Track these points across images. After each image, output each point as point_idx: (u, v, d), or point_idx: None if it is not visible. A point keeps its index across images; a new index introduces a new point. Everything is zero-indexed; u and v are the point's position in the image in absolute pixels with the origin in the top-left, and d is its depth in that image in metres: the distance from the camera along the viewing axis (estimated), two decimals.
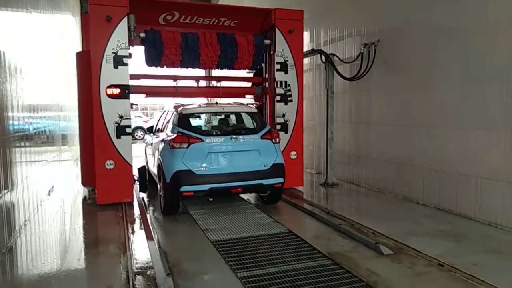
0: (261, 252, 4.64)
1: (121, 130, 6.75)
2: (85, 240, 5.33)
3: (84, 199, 7.60)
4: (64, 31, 10.66)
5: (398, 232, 5.22)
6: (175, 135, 6.18)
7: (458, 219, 5.87)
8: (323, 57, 8.39)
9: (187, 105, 7.06)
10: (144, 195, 7.79)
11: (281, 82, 7.79)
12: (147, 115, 27.62)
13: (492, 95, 5.48)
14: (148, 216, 6.25)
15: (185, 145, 5.97)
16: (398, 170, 7.27)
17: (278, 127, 7.76)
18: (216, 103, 7.52)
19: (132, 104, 7.05)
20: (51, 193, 7.66)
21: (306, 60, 10.00)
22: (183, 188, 5.88)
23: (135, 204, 7.00)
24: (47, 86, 8.12)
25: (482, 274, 3.87)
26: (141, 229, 5.57)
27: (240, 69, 7.99)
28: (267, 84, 8.19)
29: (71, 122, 11.06)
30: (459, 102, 5.99)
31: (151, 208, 6.93)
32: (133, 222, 5.97)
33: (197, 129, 6.69)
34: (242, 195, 7.32)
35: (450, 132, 6.16)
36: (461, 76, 5.94)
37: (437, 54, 6.35)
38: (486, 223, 5.55)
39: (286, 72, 7.79)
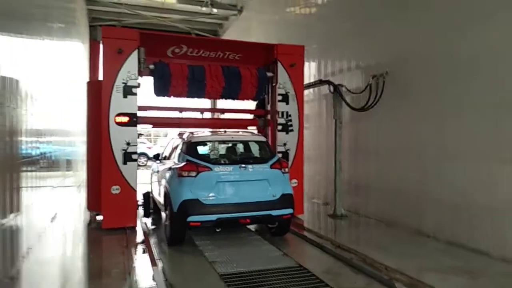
0: None
1: (127, 157, 6.98)
2: (89, 271, 5.18)
3: (89, 224, 7.58)
4: (74, 58, 10.78)
5: (411, 267, 5.05)
6: (184, 163, 6.10)
7: (471, 254, 5.69)
8: (331, 88, 8.42)
9: (195, 132, 7.05)
10: (147, 220, 7.79)
11: (282, 113, 8.08)
12: (150, 141, 27.63)
13: (504, 125, 5.43)
14: (153, 245, 6.10)
15: (194, 174, 5.88)
16: (409, 202, 7.13)
17: (280, 155, 7.80)
18: (225, 131, 7.52)
19: (139, 134, 7.18)
20: (54, 220, 7.53)
21: (313, 90, 10.07)
22: (190, 218, 5.75)
23: (139, 230, 6.99)
24: (55, 112, 8.13)
25: None
26: (147, 259, 5.40)
27: (243, 100, 8.30)
28: (269, 116, 8.43)
29: (76, 148, 11.02)
30: (471, 133, 5.93)
31: (155, 236, 6.81)
32: (137, 251, 5.82)
33: (206, 158, 6.62)
34: (249, 226, 7.17)
35: (462, 163, 6.07)
36: (472, 106, 5.91)
37: (447, 85, 6.34)
38: (499, 259, 5.37)
39: (287, 103, 8.11)
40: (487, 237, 5.64)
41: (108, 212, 6.90)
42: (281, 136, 8.06)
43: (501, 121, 5.50)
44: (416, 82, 7.02)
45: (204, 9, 15.75)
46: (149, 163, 15.05)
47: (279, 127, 8.06)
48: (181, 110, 8.02)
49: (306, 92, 10.13)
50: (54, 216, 7.65)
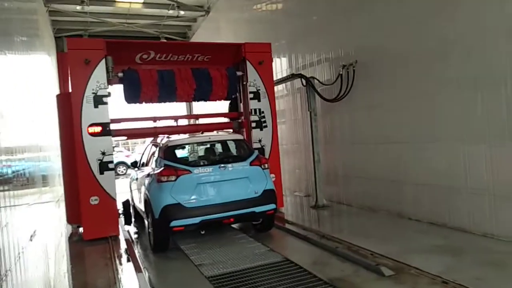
0: (260, 285, 4.47)
1: (104, 166, 6.93)
2: (74, 287, 5.04)
3: (70, 237, 7.47)
4: (41, 71, 10.49)
5: (396, 251, 5.14)
6: (162, 168, 6.03)
7: (452, 232, 5.83)
8: (304, 81, 8.48)
9: (172, 136, 6.97)
10: (129, 228, 7.75)
11: (255, 110, 8.20)
12: (128, 150, 27.21)
13: (474, 108, 5.57)
14: (137, 253, 6.00)
15: (173, 178, 5.81)
16: (388, 187, 7.25)
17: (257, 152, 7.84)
18: (202, 132, 7.48)
19: (113, 147, 7.25)
20: (34, 238, 7.32)
21: (286, 85, 10.12)
22: (173, 223, 5.69)
23: (122, 239, 6.93)
24: (25, 127, 7.90)
25: None
26: (131, 268, 5.31)
27: (215, 101, 8.34)
28: (243, 118, 8.51)
29: (51, 163, 10.74)
30: (444, 117, 6.06)
31: (139, 245, 6.73)
32: (122, 262, 5.71)
33: (184, 161, 6.58)
34: (233, 225, 7.14)
35: (438, 146, 6.20)
36: (444, 91, 6.03)
37: (417, 71, 6.46)
38: (480, 235, 5.53)
39: (259, 100, 8.23)
40: (466, 215, 5.78)
41: (88, 224, 6.85)
42: (255, 133, 8.18)
43: (471, 104, 5.62)
44: (386, 69, 7.12)
45: (171, 12, 15.59)
46: (129, 171, 14.87)
47: (253, 124, 8.17)
48: (155, 119, 8.01)
49: (279, 87, 10.19)
50: (33, 234, 7.43)
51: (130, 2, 15.06)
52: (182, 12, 15.55)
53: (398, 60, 6.81)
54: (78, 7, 14.27)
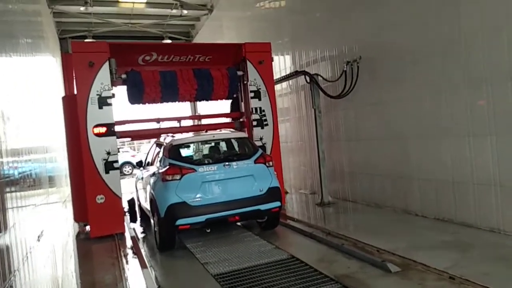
0: (266, 282, 4.47)
1: (109, 166, 7.09)
2: (82, 285, 5.08)
3: (78, 235, 7.63)
4: (46, 72, 10.56)
5: (402, 247, 5.12)
6: (167, 167, 6.04)
7: (459, 228, 5.79)
8: (307, 78, 8.46)
9: (176, 135, 7.01)
10: (135, 226, 7.90)
11: (256, 109, 8.31)
12: (134, 149, 27.32)
13: (478, 102, 5.52)
14: (143, 252, 6.04)
15: (178, 177, 5.83)
16: (393, 183, 7.22)
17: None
18: (206, 130, 7.52)
19: (118, 148, 7.28)
20: (41, 238, 7.38)
21: (289, 83, 10.11)
22: (179, 222, 5.70)
23: (128, 236, 7.06)
24: (32, 129, 7.96)
25: (496, 284, 3.77)
26: (138, 267, 5.33)
27: (216, 100, 8.46)
28: (244, 118, 8.61)
29: (57, 163, 10.82)
30: (449, 111, 6.01)
31: (145, 243, 6.79)
32: (128, 261, 5.74)
33: (189, 159, 6.60)
34: (238, 223, 7.15)
35: (441, 141, 6.17)
36: (446, 85, 5.99)
37: (420, 67, 6.42)
38: (488, 230, 5.48)
39: (259, 99, 8.34)
40: (473, 210, 5.74)
41: (95, 222, 7.02)
42: (257, 131, 8.30)
43: (473, 98, 5.58)
44: (390, 65, 7.06)
45: (174, 11, 15.60)
46: (135, 171, 14.94)
47: (254, 123, 8.27)
48: (158, 120, 8.14)
49: (283, 85, 10.18)
50: (41, 234, 7.49)
51: (134, 2, 15.10)
52: (185, 11, 15.56)
53: (403, 56, 6.76)
54: (82, 8, 14.31)
